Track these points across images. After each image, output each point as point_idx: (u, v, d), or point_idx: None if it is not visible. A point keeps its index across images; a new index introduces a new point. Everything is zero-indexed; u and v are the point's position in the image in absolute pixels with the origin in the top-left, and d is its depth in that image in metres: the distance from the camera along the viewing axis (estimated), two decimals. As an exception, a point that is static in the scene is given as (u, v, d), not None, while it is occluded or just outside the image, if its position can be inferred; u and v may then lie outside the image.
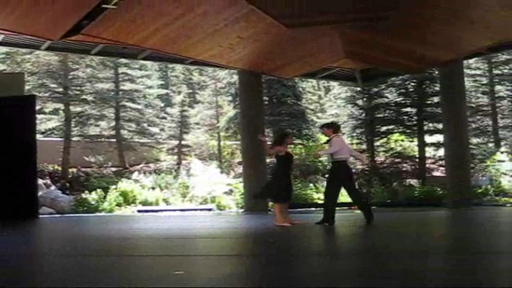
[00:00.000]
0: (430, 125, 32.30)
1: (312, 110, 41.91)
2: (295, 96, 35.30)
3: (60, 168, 30.17)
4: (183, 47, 20.97)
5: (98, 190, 25.40)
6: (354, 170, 14.63)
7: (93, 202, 24.67)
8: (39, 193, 22.92)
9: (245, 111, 25.17)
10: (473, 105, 34.92)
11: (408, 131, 33.00)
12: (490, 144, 34.53)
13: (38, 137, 23.66)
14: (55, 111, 34.08)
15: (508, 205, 24.59)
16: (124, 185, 26.59)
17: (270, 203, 21.88)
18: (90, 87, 33.24)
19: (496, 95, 36.60)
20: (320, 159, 30.23)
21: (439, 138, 30.06)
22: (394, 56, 23.13)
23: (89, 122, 33.66)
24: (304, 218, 14.66)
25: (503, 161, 28.60)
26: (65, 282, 4.98)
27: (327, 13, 18.43)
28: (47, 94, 31.87)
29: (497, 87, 36.87)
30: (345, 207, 19.95)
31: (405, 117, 33.11)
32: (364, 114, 34.27)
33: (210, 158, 35.09)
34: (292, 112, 34.08)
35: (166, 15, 17.67)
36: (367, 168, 31.44)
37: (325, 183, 16.40)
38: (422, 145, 31.86)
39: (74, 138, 31.93)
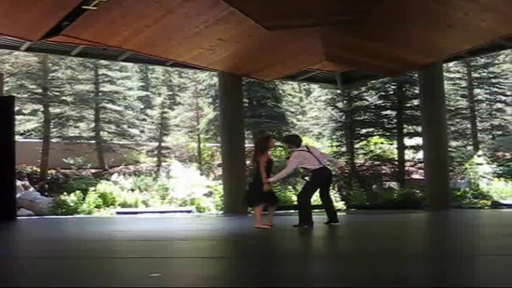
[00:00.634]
0: (410, 127, 32.50)
1: (292, 112, 42.03)
2: (275, 99, 35.34)
3: (39, 170, 30.00)
4: (163, 48, 20.96)
5: (77, 192, 25.26)
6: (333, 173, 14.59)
7: (72, 204, 24.53)
8: (18, 195, 22.79)
9: (225, 113, 25.18)
10: (453, 108, 35.15)
11: (388, 133, 33.15)
12: (469, 147, 34.76)
13: (17, 138, 23.53)
14: (34, 113, 33.90)
15: (486, 207, 24.78)
16: (103, 186, 26.47)
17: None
18: (69, 88, 33.11)
19: (475, 98, 36.82)
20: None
21: (418, 141, 30.22)
22: (374, 59, 23.23)
23: (68, 124, 33.54)
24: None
25: (481, 164, 28.76)
26: (45, 283, 4.98)
27: (307, 16, 18.48)
28: (26, 95, 31.73)
29: (476, 91, 37.10)
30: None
31: (385, 120, 33.26)
32: (344, 117, 34.38)
33: (190, 160, 35.06)
34: (272, 114, 34.10)
35: (147, 17, 17.64)
36: (346, 171, 31.52)
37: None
38: (401, 148, 32.03)
39: (53, 140, 31.80)
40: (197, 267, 6.27)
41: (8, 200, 19.19)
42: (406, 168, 32.36)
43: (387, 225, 14.50)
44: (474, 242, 8.81)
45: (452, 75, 36.25)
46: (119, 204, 25.75)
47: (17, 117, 26.91)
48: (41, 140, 31.74)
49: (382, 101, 33.55)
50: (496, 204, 25.05)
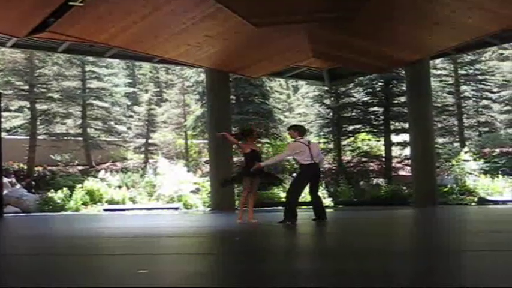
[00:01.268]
0: (397, 124, 32.60)
1: (280, 109, 42.06)
2: (262, 95, 35.36)
3: (25, 167, 29.92)
4: (150, 45, 20.95)
5: (64, 189, 25.25)
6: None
7: (59, 201, 24.51)
8: (4, 192, 22.75)
9: (212, 110, 25.20)
10: (439, 105, 35.29)
11: (375, 130, 33.27)
12: (456, 144, 34.90)
13: (3, 135, 23.44)
14: (20, 109, 33.82)
15: (473, 204, 24.89)
16: (90, 183, 26.46)
17: (237, 202, 21.98)
18: (56, 85, 33.03)
19: (462, 95, 36.96)
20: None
21: (405, 137, 30.33)
22: (362, 56, 23.30)
23: (55, 120, 33.47)
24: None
25: (468, 161, 28.87)
26: (32, 281, 4.96)
27: (294, 13, 18.51)
28: (12, 92, 31.60)
29: (463, 87, 37.24)
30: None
31: (372, 116, 33.37)
32: (331, 114, 34.47)
33: (177, 157, 35.03)
34: (259, 111, 34.13)
35: (134, 14, 17.62)
36: (333, 167, 31.58)
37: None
38: (388, 144, 32.14)
39: (40, 137, 31.73)
40: (184, 263, 6.26)
41: (-5, 197, 19.14)
42: (393, 164, 32.48)
43: (374, 222, 14.53)
44: (461, 238, 8.83)
45: (439, 72, 36.37)
46: (106, 201, 25.75)
47: (4, 113, 26.78)
48: (28, 137, 31.66)
49: (369, 98, 33.66)
50: (482, 201, 25.20)
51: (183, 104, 38.59)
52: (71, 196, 25.01)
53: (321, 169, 14.01)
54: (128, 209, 25.10)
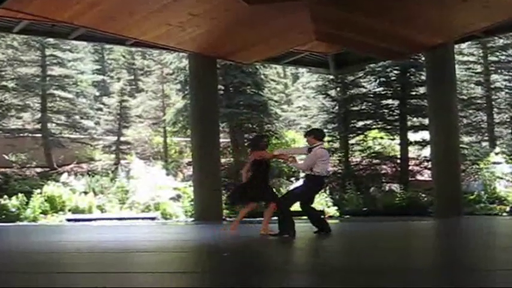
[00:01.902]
0: (415, 120, 32.62)
1: (276, 101, 41.92)
2: (255, 85, 35.26)
3: (-27, 169, 29.91)
4: (123, 25, 20.88)
5: (20, 195, 25.16)
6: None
7: (13, 209, 24.45)
8: None
9: (196, 102, 25.16)
10: (465, 98, 35.26)
11: (389, 127, 33.23)
12: (484, 144, 34.92)
13: None
14: (-32, 100, 33.78)
15: (504, 214, 24.92)
16: (51, 188, 26.40)
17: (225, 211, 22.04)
18: (11, 71, 32.99)
19: (492, 86, 36.93)
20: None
21: (424, 135, 30.30)
22: (373, 38, 23.25)
23: (9, 114, 33.42)
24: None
25: (498, 163, 28.90)
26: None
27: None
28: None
29: (494, 77, 37.18)
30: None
31: (385, 110, 33.35)
32: (337, 107, 34.48)
33: (154, 158, 35.01)
34: (252, 103, 34.04)
35: (104, -13, 17.60)
36: (340, 171, 31.61)
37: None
38: (405, 144, 32.13)
39: (-9, 133, 31.70)
40: (163, 283, 6.29)
41: None
42: (410, 167, 32.49)
43: (387, 235, 14.58)
44: (488, 254, 8.88)
45: (465, 59, 36.35)
46: (69, 210, 25.69)
47: None
48: (-23, 134, 31.62)
49: (382, 89, 33.66)
50: (515, 211, 25.21)
51: (162, 94, 38.58)
52: (27, 203, 24.93)
53: None
54: (95, 219, 25.03)
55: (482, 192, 26.91)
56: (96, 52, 52.60)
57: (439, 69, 24.61)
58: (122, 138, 36.51)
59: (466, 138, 34.10)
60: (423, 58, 27.69)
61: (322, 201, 25.75)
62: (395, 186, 31.13)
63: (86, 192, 27.36)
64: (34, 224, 23.46)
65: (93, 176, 30.24)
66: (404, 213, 25.57)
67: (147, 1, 18.97)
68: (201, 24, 21.23)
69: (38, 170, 32.10)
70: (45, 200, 25.41)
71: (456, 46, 27.70)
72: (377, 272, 6.72)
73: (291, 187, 24.63)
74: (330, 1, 20.02)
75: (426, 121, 28.24)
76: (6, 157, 30.96)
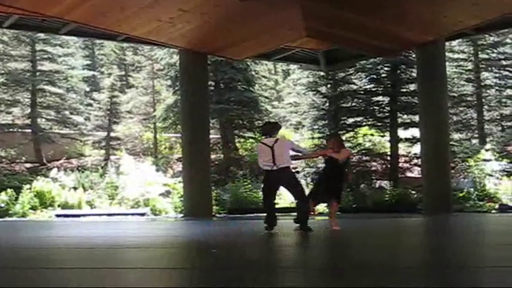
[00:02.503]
0: (405, 117, 32.62)
1: (267, 97, 41.99)
2: (246, 81, 35.29)
3: (-38, 164, 29.85)
4: (114, 20, 20.82)
5: (9, 190, 25.14)
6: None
7: (2, 205, 24.43)
8: None
9: (187, 98, 25.12)
10: (456, 95, 35.30)
11: (379, 123, 33.23)
12: (474, 141, 34.98)
13: None
14: (-43, 95, 33.69)
15: (493, 211, 24.95)
16: (40, 184, 26.37)
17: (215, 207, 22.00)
18: (1, 66, 32.91)
19: (482, 83, 36.99)
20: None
21: (414, 132, 30.35)
22: (364, 35, 23.25)
23: (-1, 109, 33.35)
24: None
25: (488, 160, 28.93)
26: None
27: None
28: None
29: (484, 74, 37.26)
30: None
31: (376, 107, 33.34)
32: (327, 104, 34.45)
33: (144, 153, 35.03)
34: (242, 99, 34.06)
35: (94, -18, 17.56)
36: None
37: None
38: (395, 141, 32.14)
39: (-20, 128, 31.63)
40: (152, 279, 6.29)
41: None
42: (400, 164, 32.53)
43: (377, 232, 14.60)
44: (477, 252, 8.91)
45: (455, 56, 36.42)
46: (58, 205, 25.67)
47: None
48: (-34, 129, 31.55)
49: (372, 86, 33.68)
50: (504, 208, 25.24)
51: (152, 90, 38.57)
52: (16, 199, 24.91)
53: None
54: (84, 215, 25.03)
55: (472, 190, 26.96)
56: (86, 47, 52.51)
57: (430, 66, 24.62)
58: (112, 134, 36.49)
59: (456, 136, 34.17)
60: (414, 55, 27.73)
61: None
62: (385, 183, 31.18)
63: (75, 188, 27.34)
64: (23, 220, 23.43)
65: (82, 172, 30.21)
66: (394, 210, 25.59)
67: (138, -3, 18.93)
68: (191, 20, 21.19)
69: (28, 165, 32.04)
70: (35, 196, 25.38)
71: (447, 43, 27.71)
72: (366, 270, 6.73)
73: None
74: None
75: (416, 118, 28.27)
76: (-5, 152, 30.97)
